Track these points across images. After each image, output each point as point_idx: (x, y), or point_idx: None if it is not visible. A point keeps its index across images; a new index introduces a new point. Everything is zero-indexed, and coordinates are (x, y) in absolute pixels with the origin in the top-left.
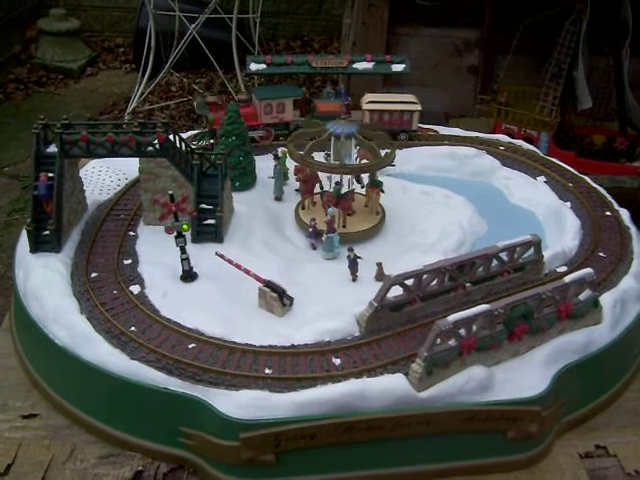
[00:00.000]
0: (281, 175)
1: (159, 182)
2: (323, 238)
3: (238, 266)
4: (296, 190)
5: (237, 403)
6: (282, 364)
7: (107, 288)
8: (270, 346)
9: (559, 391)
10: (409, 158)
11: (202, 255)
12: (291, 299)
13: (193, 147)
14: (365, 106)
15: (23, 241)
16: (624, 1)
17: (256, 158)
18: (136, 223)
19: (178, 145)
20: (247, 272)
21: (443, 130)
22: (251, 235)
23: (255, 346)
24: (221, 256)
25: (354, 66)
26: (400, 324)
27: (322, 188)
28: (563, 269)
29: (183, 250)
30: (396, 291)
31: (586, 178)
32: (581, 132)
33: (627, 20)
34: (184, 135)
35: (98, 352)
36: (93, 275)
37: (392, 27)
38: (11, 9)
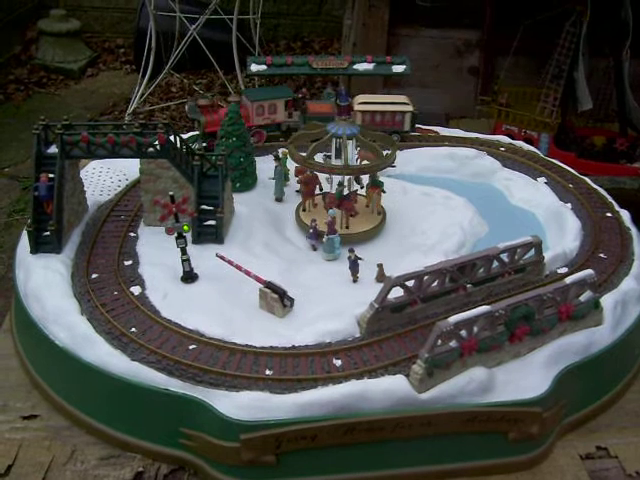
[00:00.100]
0: (282, 176)
1: (160, 183)
2: (324, 239)
3: (239, 267)
4: (297, 191)
5: (238, 404)
6: (283, 365)
7: (108, 289)
8: (271, 347)
9: (560, 392)
10: (409, 159)
11: (203, 256)
12: (292, 300)
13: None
14: (357, 107)
15: (24, 242)
16: (624, 2)
17: (257, 159)
18: (137, 224)
19: (179, 146)
20: (247, 273)
21: (443, 131)
22: (252, 236)
23: (256, 347)
24: (221, 257)
25: (354, 67)
26: (401, 325)
27: (321, 189)
28: (564, 270)
29: (184, 251)
30: (397, 292)
31: (586, 179)
32: (581, 133)
33: (627, 21)
34: (184, 136)
35: (99, 353)
36: (94, 276)
37: (392, 28)
38: (11, 10)
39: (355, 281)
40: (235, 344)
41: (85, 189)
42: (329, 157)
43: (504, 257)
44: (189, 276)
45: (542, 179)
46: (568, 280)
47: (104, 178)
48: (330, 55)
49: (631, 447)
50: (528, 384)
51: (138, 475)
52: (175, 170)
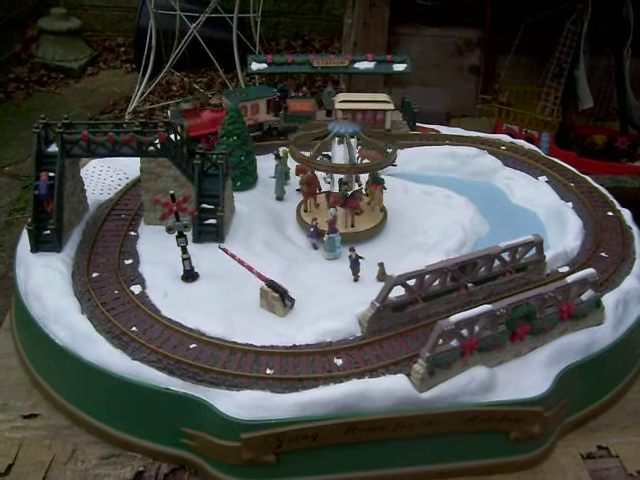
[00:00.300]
0: (282, 175)
1: (160, 182)
2: (324, 238)
3: (241, 262)
4: (297, 190)
5: (238, 403)
6: (283, 364)
7: (108, 288)
8: (271, 346)
9: (561, 392)
10: (410, 158)
11: (203, 255)
12: (292, 301)
13: None
14: (337, 105)
15: (24, 241)
16: (625, 1)
17: (257, 158)
18: (137, 223)
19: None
20: (250, 269)
21: (444, 130)
22: (252, 235)
23: (256, 346)
24: (224, 250)
25: (355, 66)
26: (402, 324)
27: (320, 190)
28: (565, 269)
29: (184, 250)
30: (398, 291)
31: (588, 178)
32: (582, 132)
33: (628, 20)
34: None
35: (99, 352)
36: (94, 275)
37: (393, 27)
38: (12, 8)
39: (356, 280)
40: (236, 343)
41: (85, 188)
42: (328, 157)
43: (505, 256)
44: (190, 275)
45: (543, 178)
46: (569, 279)
47: (104, 177)
48: (331, 54)
49: (632, 447)
50: (529, 383)
51: (139, 474)
52: (176, 169)
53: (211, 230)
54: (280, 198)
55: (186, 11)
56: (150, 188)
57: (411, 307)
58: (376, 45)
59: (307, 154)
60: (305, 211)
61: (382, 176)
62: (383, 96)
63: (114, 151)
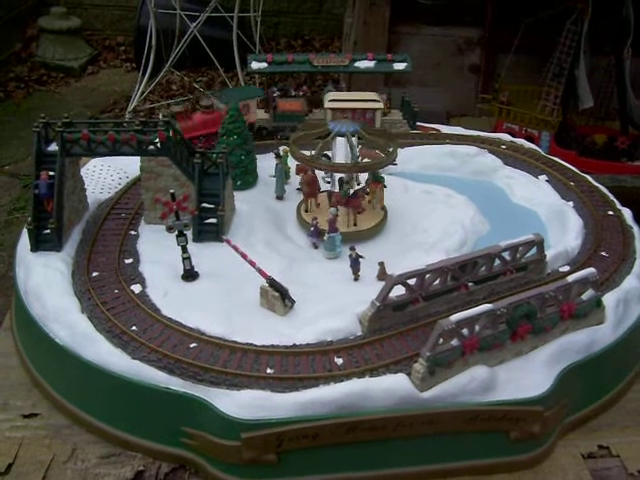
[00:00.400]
0: (282, 174)
1: (160, 181)
2: (325, 237)
3: (244, 255)
4: (298, 189)
5: (239, 403)
6: (284, 364)
7: (108, 287)
8: (272, 346)
9: (562, 391)
10: (411, 157)
11: (203, 254)
12: (293, 301)
13: None
14: (327, 104)
15: (24, 240)
16: (625, 1)
17: (257, 157)
18: (137, 222)
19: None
20: (252, 264)
21: (444, 129)
22: (252, 234)
23: (256, 346)
24: (227, 241)
25: (355, 65)
26: (402, 324)
27: (319, 189)
28: (566, 269)
29: (184, 249)
30: (398, 290)
31: (588, 177)
32: (582, 131)
33: (629, 19)
34: None
35: (99, 351)
36: (94, 274)
37: (393, 26)
38: (12, 7)
39: (356, 279)
40: (236, 342)
41: (85, 187)
42: (327, 156)
43: (506, 255)
44: (190, 274)
45: (543, 177)
46: (570, 278)
47: (104, 176)
48: (331, 53)
49: (633, 446)
50: (530, 383)
51: (139, 474)
52: (176, 168)
53: (211, 229)
54: (280, 197)
55: (186, 10)
56: (150, 187)
57: (411, 306)
58: (376, 44)
59: (306, 153)
60: (306, 211)
61: (382, 175)
62: (372, 95)
63: (114, 150)
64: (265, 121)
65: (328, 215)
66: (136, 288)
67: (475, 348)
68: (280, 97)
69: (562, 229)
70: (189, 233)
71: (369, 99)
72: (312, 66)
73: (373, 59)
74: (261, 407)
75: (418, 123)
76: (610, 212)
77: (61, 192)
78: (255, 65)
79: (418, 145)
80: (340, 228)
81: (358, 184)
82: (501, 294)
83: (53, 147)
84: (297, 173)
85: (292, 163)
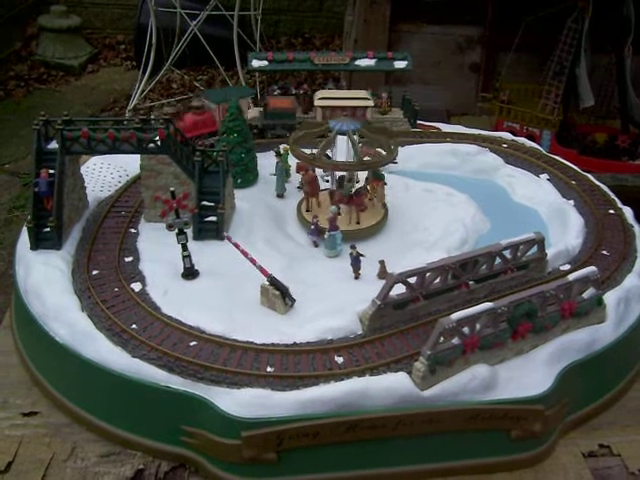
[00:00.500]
0: (283, 172)
1: (160, 179)
2: (325, 236)
3: (245, 253)
4: (298, 187)
5: (239, 401)
6: (284, 362)
7: (108, 285)
8: (272, 344)
9: (563, 390)
10: (411, 155)
11: (203, 252)
12: (293, 300)
13: None
14: (317, 102)
15: (24, 238)
16: None
17: (258, 155)
18: (137, 220)
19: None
20: (253, 262)
21: (445, 128)
22: (253, 232)
23: (257, 344)
24: (228, 239)
25: (356, 63)
26: (403, 322)
27: (319, 188)
28: (567, 267)
29: (184, 247)
30: (399, 289)
31: (589, 176)
32: (583, 130)
33: (629, 18)
34: None
35: (99, 350)
36: (94, 272)
37: (394, 24)
38: (12, 6)
39: (357, 278)
40: (236, 341)
41: (85, 185)
42: (326, 155)
43: (507, 254)
44: (190, 272)
45: (544, 176)
46: (571, 277)
47: (104, 174)
48: (331, 51)
49: (634, 445)
50: (531, 381)
51: (139, 472)
52: (176, 166)
53: (211, 227)
54: (281, 195)
55: (186, 9)
56: (150, 185)
57: (412, 305)
58: (377, 42)
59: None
60: (307, 211)
61: (382, 172)
62: (363, 93)
63: (114, 148)
64: (256, 119)
65: (328, 213)
66: (136, 286)
67: (476, 347)
68: (270, 95)
69: (563, 228)
70: (189, 231)
71: (360, 97)
72: (313, 64)
73: (374, 57)
74: (261, 405)
75: (419, 121)
76: (611, 211)
77: (61, 190)
78: (255, 63)
79: (419, 143)
80: (342, 226)
81: (357, 182)
82: (502, 293)
83: (53, 145)
84: (297, 171)
85: (292, 161)
